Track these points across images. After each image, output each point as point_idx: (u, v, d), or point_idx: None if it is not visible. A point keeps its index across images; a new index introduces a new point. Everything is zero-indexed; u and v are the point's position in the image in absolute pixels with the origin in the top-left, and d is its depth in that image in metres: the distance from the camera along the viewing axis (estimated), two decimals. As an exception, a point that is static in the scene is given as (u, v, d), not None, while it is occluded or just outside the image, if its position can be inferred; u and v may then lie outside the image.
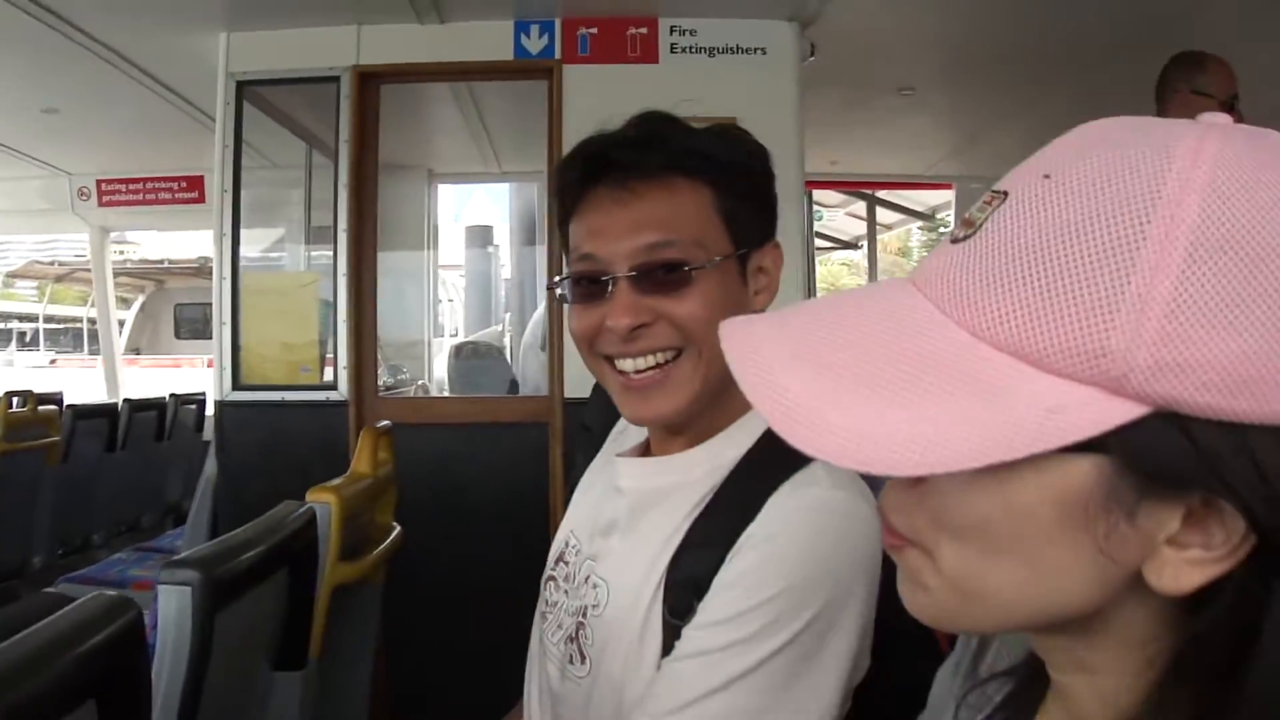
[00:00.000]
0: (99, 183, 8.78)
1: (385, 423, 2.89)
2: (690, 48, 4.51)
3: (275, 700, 2.05)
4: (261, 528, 1.92)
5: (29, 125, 7.10)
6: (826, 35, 4.75)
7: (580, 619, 1.66)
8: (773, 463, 1.52)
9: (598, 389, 1.75)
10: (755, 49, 4.51)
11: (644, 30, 4.52)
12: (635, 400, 1.57)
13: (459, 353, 7.25)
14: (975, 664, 1.07)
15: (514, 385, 6.44)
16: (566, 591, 1.72)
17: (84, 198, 8.85)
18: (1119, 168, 0.69)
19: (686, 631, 1.49)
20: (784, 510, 1.47)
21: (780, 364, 0.72)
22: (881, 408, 0.69)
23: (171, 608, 1.59)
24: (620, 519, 1.66)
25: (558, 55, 4.55)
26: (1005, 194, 0.73)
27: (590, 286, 1.55)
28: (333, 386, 4.54)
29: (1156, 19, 4.77)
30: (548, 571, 1.80)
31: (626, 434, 1.81)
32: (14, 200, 9.09)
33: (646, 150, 1.54)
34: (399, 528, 2.81)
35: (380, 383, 5.14)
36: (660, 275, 1.52)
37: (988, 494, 0.72)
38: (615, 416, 1.77)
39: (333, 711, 2.51)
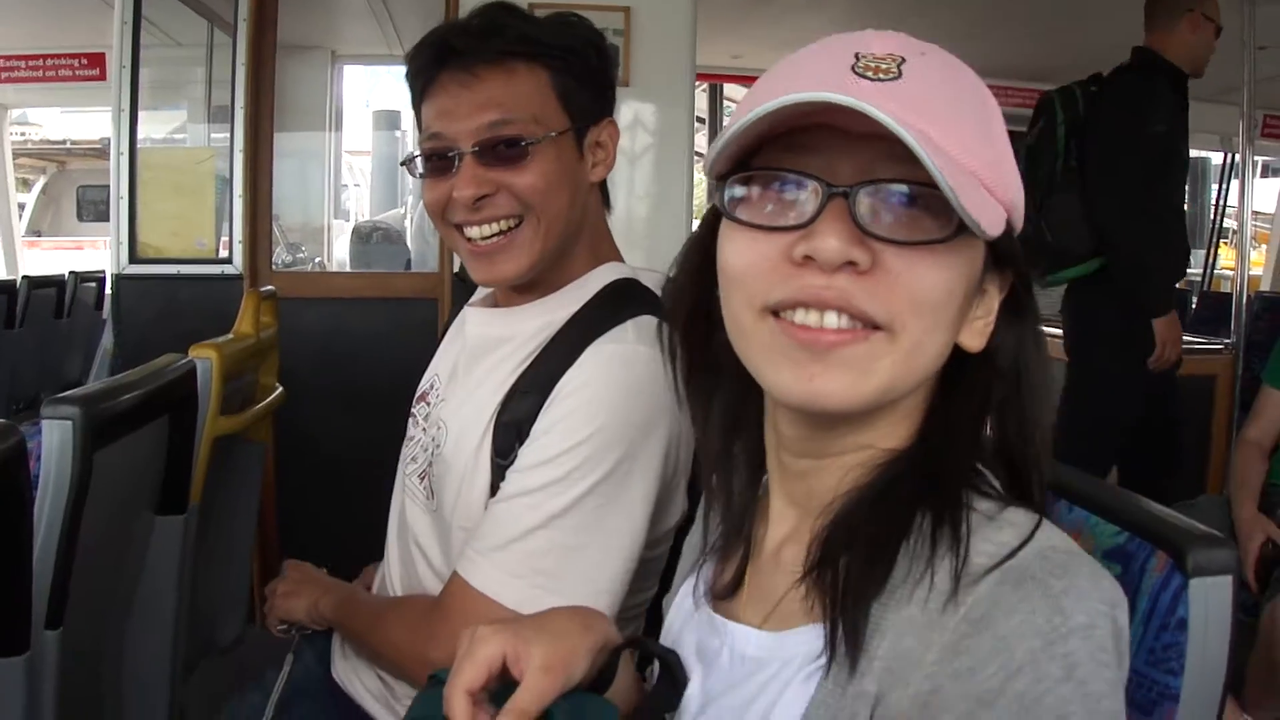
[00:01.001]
0: (-2, 58, 8.64)
1: (269, 288, 2.98)
2: (589, -65, 4.50)
3: (157, 541, 2.15)
4: (142, 374, 2.00)
5: (-77, 0, 6.97)
6: (725, -73, 4.81)
7: (430, 456, 1.81)
8: (594, 321, 1.70)
9: None
10: (653, -63, 4.52)
11: (543, -84, 4.50)
12: (482, 264, 1.73)
13: (358, 233, 7.31)
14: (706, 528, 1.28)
15: (410, 265, 6.53)
16: (424, 429, 1.88)
17: (-18, 74, 8.71)
18: (953, 62, 1.01)
19: (510, 474, 1.66)
20: (594, 362, 1.64)
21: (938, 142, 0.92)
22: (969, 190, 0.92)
23: (54, 441, 1.68)
24: (461, 364, 1.83)
25: (458, -64, 4.52)
26: (904, 58, 0.96)
27: (439, 162, 1.71)
28: (228, 261, 4.58)
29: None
30: (411, 408, 1.96)
31: (484, 289, 1.96)
32: (-92, 76, 8.91)
33: (487, 38, 1.69)
34: (281, 388, 2.92)
35: (279, 261, 5.19)
36: (501, 150, 1.67)
37: (954, 270, 0.96)
38: None
39: (218, 557, 2.63)
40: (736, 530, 1.19)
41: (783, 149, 0.97)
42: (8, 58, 8.63)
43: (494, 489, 1.70)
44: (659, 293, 1.78)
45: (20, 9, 7.38)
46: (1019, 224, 1.02)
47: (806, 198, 0.96)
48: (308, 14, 6.16)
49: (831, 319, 0.95)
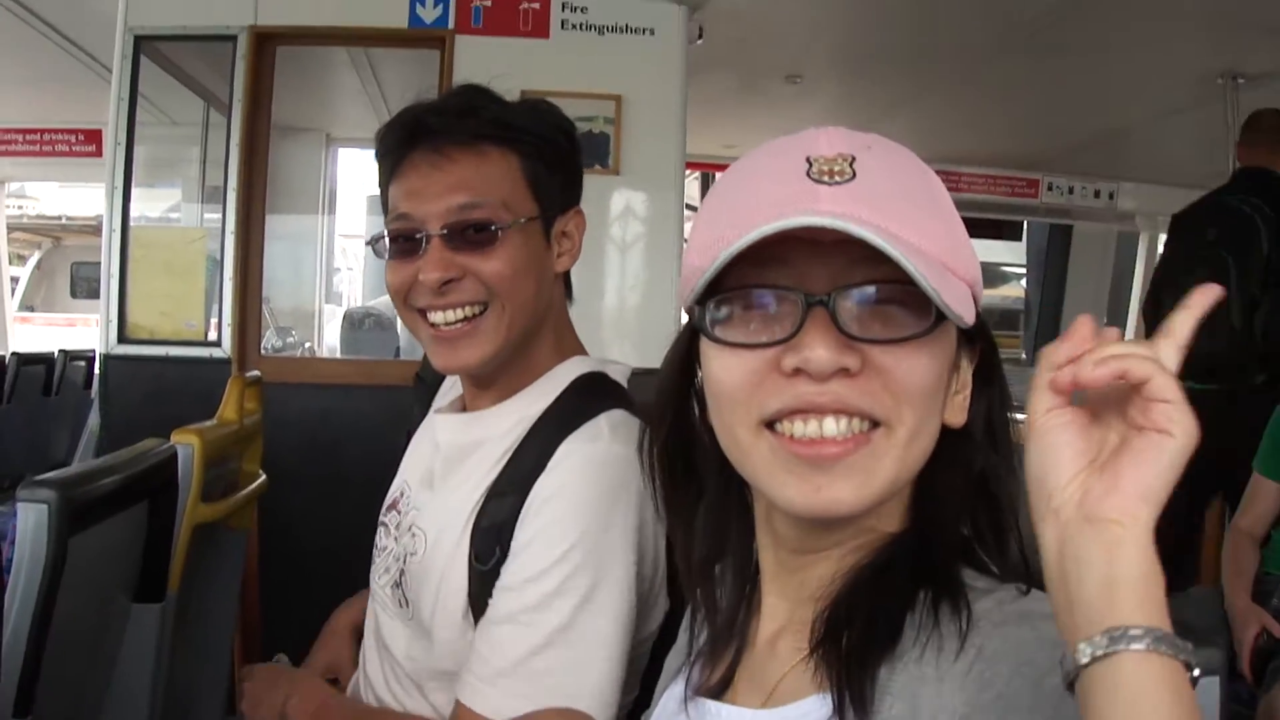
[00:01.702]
0: (-5, 132, 8.69)
1: (254, 373, 2.96)
2: (580, 25, 4.58)
3: (134, 629, 2.13)
4: (122, 458, 1.99)
5: (-76, 70, 7.03)
6: (715, 18, 4.87)
7: (402, 565, 1.77)
8: (566, 417, 1.67)
9: None
10: (644, 29, 4.59)
11: (536, 5, 4.59)
12: (444, 350, 1.69)
13: (350, 319, 7.31)
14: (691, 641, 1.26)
15: (399, 352, 6.52)
16: (396, 538, 1.84)
17: (-21, 147, 8.76)
18: (896, 149, 1.04)
19: (499, 593, 1.61)
20: (570, 466, 1.61)
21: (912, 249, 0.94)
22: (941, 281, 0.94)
23: (29, 524, 1.66)
24: (436, 471, 1.79)
25: (451, 25, 4.60)
26: (854, 156, 0.98)
27: (405, 244, 1.67)
28: (216, 344, 4.57)
29: (1031, 23, 4.98)
30: (381, 518, 1.92)
31: (452, 390, 1.93)
32: (-94, 148, 8.97)
33: (460, 119, 1.67)
34: (264, 476, 2.89)
35: (269, 345, 5.17)
36: (470, 234, 1.64)
37: (937, 357, 0.99)
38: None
39: (197, 646, 2.59)
40: (728, 631, 1.18)
41: (752, 264, 0.97)
42: (6, 130, 8.68)
43: (471, 595, 1.66)
44: (624, 384, 1.76)
45: (19, 82, 7.43)
46: (980, 296, 1.04)
47: (787, 310, 0.98)
48: (303, 96, 6.22)
49: (830, 425, 0.97)
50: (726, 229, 0.97)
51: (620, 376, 1.80)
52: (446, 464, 1.79)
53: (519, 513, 1.62)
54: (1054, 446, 0.79)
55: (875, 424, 0.98)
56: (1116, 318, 10.66)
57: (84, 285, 17.15)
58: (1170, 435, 0.75)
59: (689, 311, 1.05)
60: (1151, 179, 9.00)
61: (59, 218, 17.40)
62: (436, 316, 1.67)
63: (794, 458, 0.98)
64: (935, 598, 0.98)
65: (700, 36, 4.82)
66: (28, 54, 6.38)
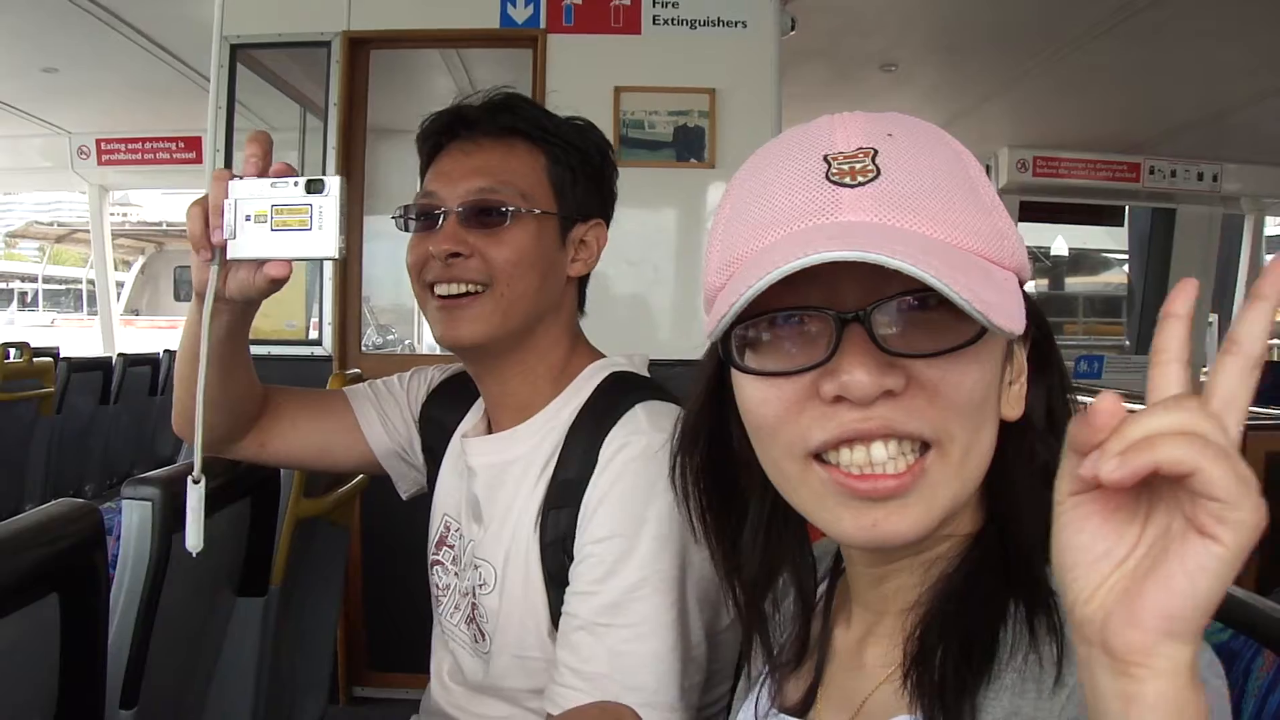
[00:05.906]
0: (98, 141, 8.87)
1: (354, 371, 2.99)
2: (672, 20, 4.57)
3: (237, 622, 2.16)
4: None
5: (29, 84, 7.19)
6: (807, 9, 4.83)
7: (472, 599, 1.78)
8: (600, 414, 1.69)
9: (442, 386, 1.99)
10: (736, 22, 4.57)
11: (627, 2, 4.58)
12: (445, 319, 1.73)
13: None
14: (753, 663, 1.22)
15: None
16: (456, 574, 1.85)
17: (84, 156, 8.94)
18: (919, 131, 0.97)
19: (571, 599, 1.62)
20: (616, 464, 1.63)
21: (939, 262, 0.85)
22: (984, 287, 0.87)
23: (133, 522, 1.70)
24: (481, 497, 1.80)
25: (542, 24, 4.62)
26: (875, 149, 0.91)
27: (426, 220, 1.73)
28: (317, 343, 4.63)
29: (1132, 2, 4.88)
30: (431, 556, 1.93)
31: (475, 413, 1.94)
32: (15, 158, 9.20)
33: (497, 113, 1.75)
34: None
35: (370, 343, 5.21)
36: (482, 215, 1.70)
37: (988, 360, 0.92)
38: (458, 410, 1.95)
39: (299, 641, 2.62)
40: (802, 647, 1.14)
41: (778, 282, 0.86)
42: (108, 140, 8.87)
43: (553, 611, 1.67)
44: (646, 373, 1.78)
45: (121, 93, 7.59)
46: (1027, 277, 0.97)
47: (820, 330, 0.91)
48: (398, 98, 6.28)
49: (879, 450, 0.91)
50: (744, 246, 0.93)
51: (641, 367, 1.83)
52: (488, 489, 1.80)
53: (576, 521, 1.65)
54: (1073, 547, 0.68)
55: (926, 445, 0.91)
56: (1222, 303, 10.42)
57: (187, 288, 17.46)
58: (1217, 543, 0.61)
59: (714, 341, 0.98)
60: (1257, 160, 8.79)
61: (160, 224, 17.78)
62: (441, 288, 1.72)
63: (847, 492, 0.92)
64: (1028, 611, 0.92)
65: (793, 28, 4.78)
66: (128, 66, 6.51)
